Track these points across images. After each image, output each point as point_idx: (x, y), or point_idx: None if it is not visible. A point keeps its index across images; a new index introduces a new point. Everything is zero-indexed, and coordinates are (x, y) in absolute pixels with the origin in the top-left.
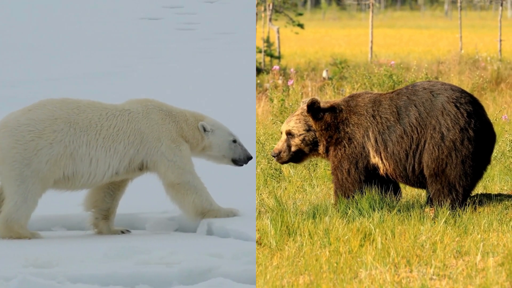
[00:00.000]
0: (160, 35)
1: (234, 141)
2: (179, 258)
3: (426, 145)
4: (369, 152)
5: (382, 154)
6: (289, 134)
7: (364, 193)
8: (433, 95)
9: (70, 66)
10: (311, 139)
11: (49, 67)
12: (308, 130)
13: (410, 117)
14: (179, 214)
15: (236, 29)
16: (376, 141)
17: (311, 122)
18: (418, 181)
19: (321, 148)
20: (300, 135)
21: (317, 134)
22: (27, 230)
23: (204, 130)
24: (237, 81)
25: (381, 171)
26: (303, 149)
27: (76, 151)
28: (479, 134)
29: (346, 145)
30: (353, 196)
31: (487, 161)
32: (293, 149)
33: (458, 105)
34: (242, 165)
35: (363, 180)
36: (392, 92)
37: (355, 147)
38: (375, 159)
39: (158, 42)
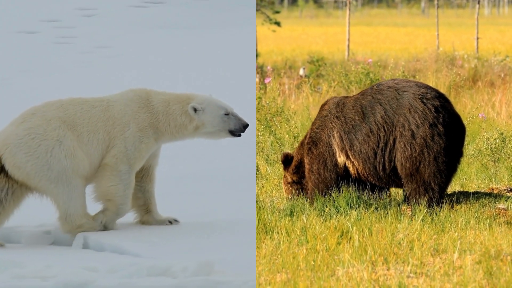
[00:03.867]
0: (38, 49)
1: (226, 114)
2: (54, 271)
3: (397, 143)
4: (335, 151)
5: (349, 153)
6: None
7: (341, 191)
8: (398, 93)
9: None
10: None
11: None
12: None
13: (375, 115)
14: (55, 228)
15: (114, 42)
16: (341, 139)
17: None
18: (390, 180)
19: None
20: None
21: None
22: (90, 218)
23: (195, 110)
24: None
25: (352, 170)
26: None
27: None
28: (448, 128)
29: (313, 148)
30: (330, 194)
31: (460, 154)
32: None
33: (425, 101)
34: (239, 135)
35: (335, 179)
36: (357, 94)
37: (322, 147)
38: (341, 158)
39: (35, 56)
